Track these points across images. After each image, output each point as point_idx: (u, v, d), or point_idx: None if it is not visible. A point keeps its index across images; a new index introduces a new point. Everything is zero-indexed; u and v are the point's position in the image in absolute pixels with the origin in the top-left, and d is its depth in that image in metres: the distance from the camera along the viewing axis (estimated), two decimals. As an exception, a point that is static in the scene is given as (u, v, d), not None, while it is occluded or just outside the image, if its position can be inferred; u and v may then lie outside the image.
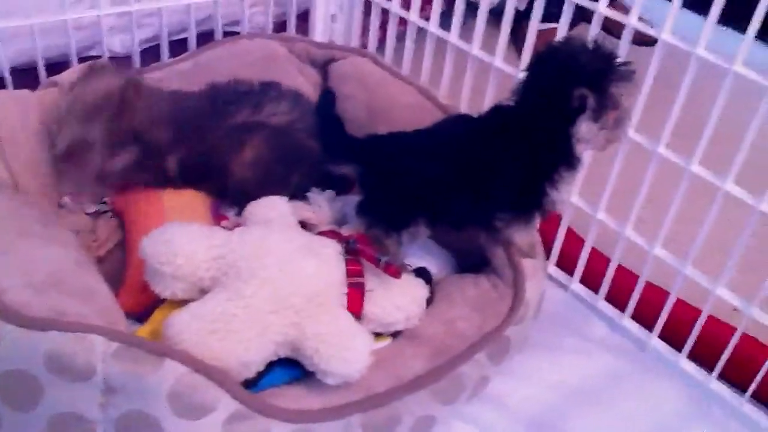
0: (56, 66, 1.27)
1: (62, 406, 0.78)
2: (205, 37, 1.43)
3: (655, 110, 1.04)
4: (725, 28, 1.01)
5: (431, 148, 0.98)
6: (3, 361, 0.79)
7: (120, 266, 1.07)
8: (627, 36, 1.03)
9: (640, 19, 1.03)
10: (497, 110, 0.99)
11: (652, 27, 1.02)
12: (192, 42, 1.38)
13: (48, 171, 1.14)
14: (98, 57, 1.35)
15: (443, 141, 0.99)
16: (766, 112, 0.93)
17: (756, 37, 0.92)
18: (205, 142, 1.11)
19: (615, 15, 1.04)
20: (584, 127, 0.92)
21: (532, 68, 0.97)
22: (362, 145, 1.03)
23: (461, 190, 0.97)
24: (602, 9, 1.05)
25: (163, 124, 1.09)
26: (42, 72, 1.26)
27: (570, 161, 0.95)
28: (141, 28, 1.36)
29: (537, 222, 1.04)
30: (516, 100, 0.97)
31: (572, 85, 0.90)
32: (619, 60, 0.93)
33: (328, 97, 1.09)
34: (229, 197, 1.15)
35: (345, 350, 0.84)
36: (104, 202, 1.18)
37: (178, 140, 1.10)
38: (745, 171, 0.98)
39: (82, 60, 1.30)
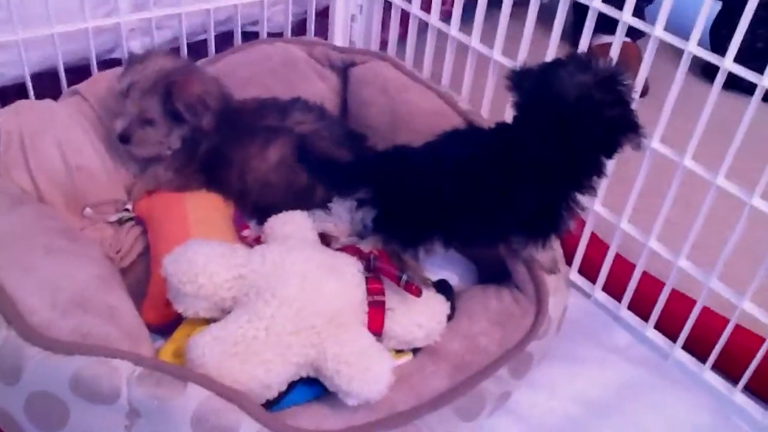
0: (75, 70, 1.28)
1: (88, 428, 0.80)
2: (225, 38, 1.42)
3: (680, 119, 1.02)
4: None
5: (439, 168, 0.97)
6: (29, 383, 0.80)
7: (144, 277, 1.07)
8: (652, 46, 1.01)
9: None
10: (508, 131, 0.96)
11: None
12: (211, 44, 1.38)
13: (69, 181, 1.15)
14: (119, 60, 1.35)
15: (450, 160, 0.97)
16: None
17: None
18: (234, 135, 1.14)
19: (640, 25, 1.02)
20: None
21: (540, 95, 0.91)
22: (372, 164, 1.03)
23: (471, 212, 0.95)
24: (626, 18, 1.03)
25: (209, 108, 1.13)
26: (62, 78, 1.26)
27: (590, 190, 0.94)
28: (161, 30, 1.35)
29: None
30: (527, 122, 0.93)
31: (621, 131, 0.88)
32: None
33: (303, 148, 1.11)
34: (250, 207, 1.16)
35: (366, 371, 0.84)
36: (127, 209, 1.19)
37: (215, 128, 1.14)
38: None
39: (102, 63, 1.30)
